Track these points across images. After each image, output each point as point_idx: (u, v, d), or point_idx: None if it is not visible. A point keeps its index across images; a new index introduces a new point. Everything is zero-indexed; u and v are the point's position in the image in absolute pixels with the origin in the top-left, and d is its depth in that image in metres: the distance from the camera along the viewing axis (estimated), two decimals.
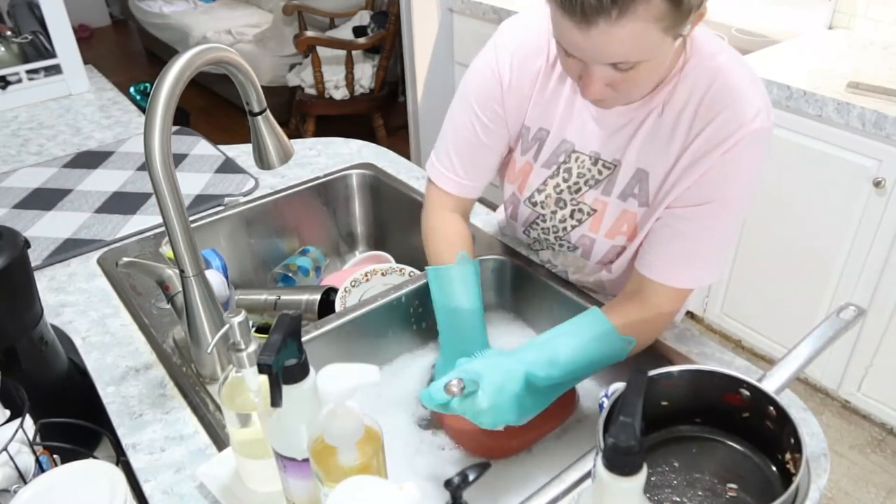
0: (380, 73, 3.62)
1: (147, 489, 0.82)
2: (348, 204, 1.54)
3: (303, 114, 3.76)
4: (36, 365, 0.91)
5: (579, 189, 1.00)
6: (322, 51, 3.47)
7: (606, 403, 0.77)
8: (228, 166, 1.54)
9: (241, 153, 1.61)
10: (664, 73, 0.86)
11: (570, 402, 1.02)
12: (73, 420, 0.86)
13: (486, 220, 1.31)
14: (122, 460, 0.88)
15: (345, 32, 3.81)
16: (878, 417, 2.08)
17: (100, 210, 1.39)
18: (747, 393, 0.79)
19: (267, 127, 0.99)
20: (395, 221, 1.50)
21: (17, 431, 0.73)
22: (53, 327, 0.99)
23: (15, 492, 0.72)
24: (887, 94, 1.75)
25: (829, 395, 2.17)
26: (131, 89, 3.45)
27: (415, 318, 1.15)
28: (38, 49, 2.09)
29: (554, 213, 1.04)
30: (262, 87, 0.96)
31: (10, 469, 0.73)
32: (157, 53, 5.17)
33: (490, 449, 0.95)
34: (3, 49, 2.04)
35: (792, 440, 0.74)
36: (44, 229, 1.34)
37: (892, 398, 1.98)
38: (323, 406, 0.63)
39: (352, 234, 1.57)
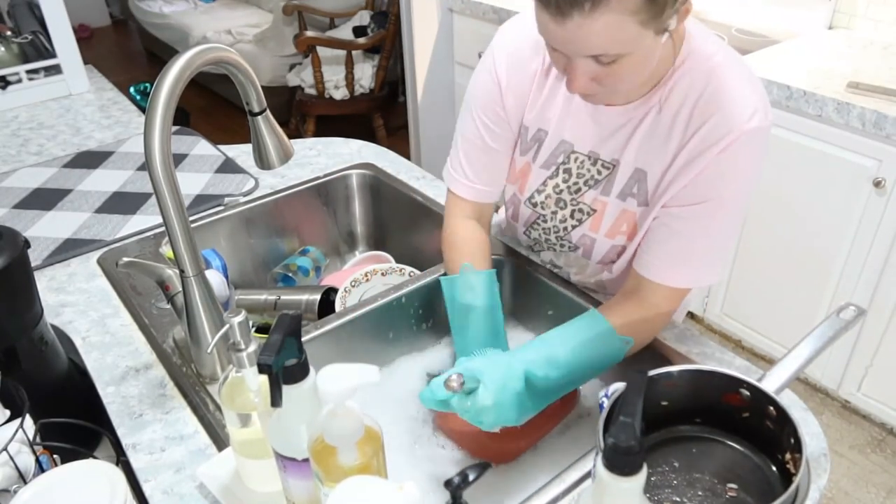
0: (380, 73, 3.62)
1: (147, 489, 0.82)
2: (348, 204, 1.54)
3: (303, 114, 3.76)
4: (36, 365, 0.91)
5: (579, 189, 1.00)
6: (322, 51, 3.47)
7: (606, 403, 0.77)
8: (228, 166, 1.54)
9: (241, 153, 1.61)
10: (654, 68, 0.85)
11: (572, 398, 1.02)
12: (73, 420, 0.86)
13: None
14: (122, 460, 0.88)
15: (345, 32, 3.81)
16: (878, 417, 2.08)
17: (100, 210, 1.39)
18: (747, 393, 0.79)
19: (267, 127, 0.99)
20: (395, 221, 1.50)
21: (17, 431, 0.73)
22: (53, 327, 0.99)
23: (15, 492, 0.72)
24: (887, 94, 1.75)
25: (829, 395, 2.17)
26: (131, 89, 3.45)
27: (415, 318, 1.15)
28: (38, 49, 2.09)
29: (554, 213, 1.04)
30: (262, 87, 0.96)
31: (10, 469, 0.73)
32: (157, 53, 5.17)
33: (494, 452, 0.95)
34: (3, 49, 2.04)
35: (792, 440, 0.74)
36: (44, 229, 1.34)
37: (892, 398, 1.98)
38: (323, 406, 0.63)
39: (352, 234, 1.57)
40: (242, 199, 1.41)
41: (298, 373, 0.65)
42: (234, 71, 0.91)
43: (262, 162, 1.01)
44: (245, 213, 1.40)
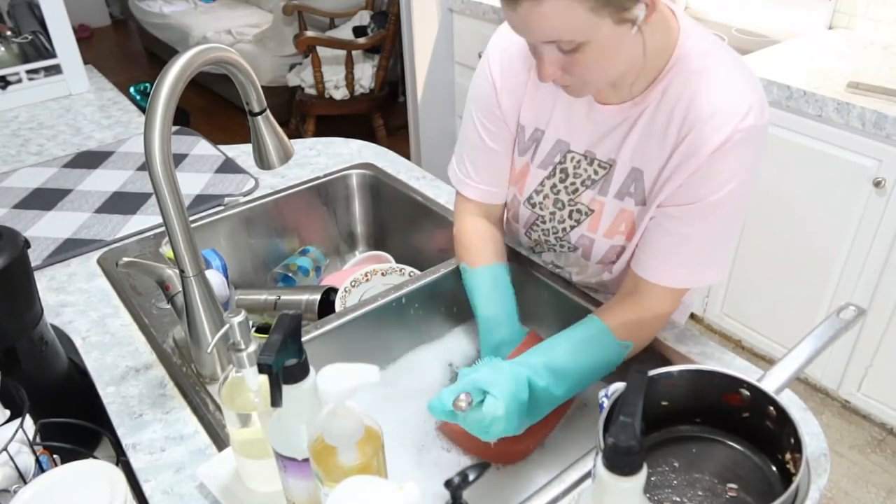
0: (380, 73, 3.62)
1: (147, 489, 0.82)
2: (348, 204, 1.54)
3: (303, 114, 3.76)
4: (36, 365, 0.91)
5: (576, 189, 1.00)
6: (322, 51, 3.47)
7: (606, 403, 0.77)
8: (228, 166, 1.54)
9: (241, 153, 1.61)
10: (647, 65, 0.86)
11: None
12: (73, 420, 0.86)
13: None
14: (122, 460, 0.88)
15: (345, 32, 3.81)
16: (878, 417, 2.08)
17: (100, 210, 1.39)
18: (747, 393, 0.79)
19: (267, 127, 0.99)
20: (395, 221, 1.50)
21: (17, 431, 0.73)
22: (53, 327, 0.99)
23: (15, 492, 0.72)
24: (887, 94, 1.75)
25: (829, 395, 2.17)
26: (131, 89, 3.45)
27: (415, 318, 1.15)
28: (38, 49, 2.09)
29: (552, 214, 1.04)
30: (262, 87, 0.96)
31: (10, 469, 0.74)
32: (157, 53, 5.17)
33: (500, 453, 0.95)
34: (3, 49, 2.04)
35: (792, 440, 0.74)
36: (44, 229, 1.34)
37: (892, 398, 1.98)
38: (323, 406, 0.63)
39: (352, 234, 1.57)
40: (242, 199, 1.41)
41: (298, 373, 0.65)
42: (234, 71, 0.91)
43: (262, 162, 1.01)
44: (245, 213, 1.40)
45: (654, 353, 1.00)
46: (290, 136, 1.06)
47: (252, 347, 0.73)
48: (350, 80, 3.55)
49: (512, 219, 1.14)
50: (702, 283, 0.93)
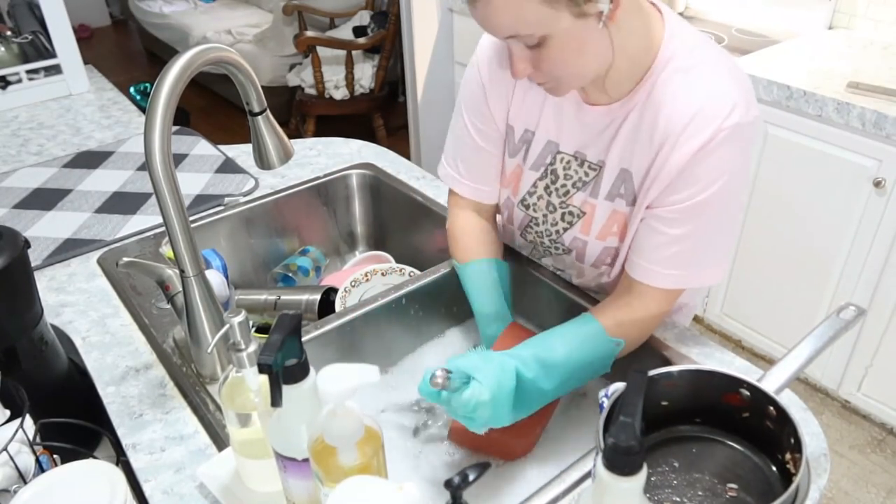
0: (380, 73, 3.62)
1: (147, 489, 0.82)
2: (348, 204, 1.54)
3: (303, 114, 3.76)
4: (36, 365, 0.91)
5: (567, 192, 1.00)
6: (322, 51, 3.47)
7: (606, 403, 0.77)
8: (228, 166, 1.54)
9: (241, 153, 1.61)
10: (630, 66, 0.86)
11: None
12: (73, 420, 0.86)
13: None
14: (122, 460, 0.88)
15: (345, 32, 3.81)
16: (878, 417, 2.08)
17: (100, 210, 1.39)
18: (747, 393, 0.79)
19: (267, 127, 0.99)
20: (395, 221, 1.50)
21: (17, 431, 0.73)
22: (53, 327, 0.99)
23: (15, 492, 0.72)
24: (887, 94, 1.75)
25: (829, 395, 2.17)
26: (131, 89, 3.46)
27: (415, 318, 1.15)
28: (38, 49, 2.09)
29: (545, 216, 1.04)
30: (262, 87, 0.96)
31: (10, 469, 0.74)
32: (157, 53, 5.17)
33: (508, 449, 0.95)
34: (3, 49, 2.04)
35: (792, 440, 0.74)
36: (44, 229, 1.34)
37: (892, 398, 1.98)
38: (323, 406, 0.63)
39: (352, 234, 1.57)
40: (242, 199, 1.41)
41: (298, 373, 0.65)
42: (234, 71, 0.92)
43: (262, 162, 1.01)
44: (245, 213, 1.40)
45: (654, 353, 1.00)
46: (290, 136, 1.06)
47: (252, 347, 0.73)
48: (350, 80, 3.55)
49: (507, 221, 1.14)
50: (696, 283, 0.93)
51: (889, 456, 2.02)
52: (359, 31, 3.76)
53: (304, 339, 0.74)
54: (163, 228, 1.23)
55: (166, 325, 1.08)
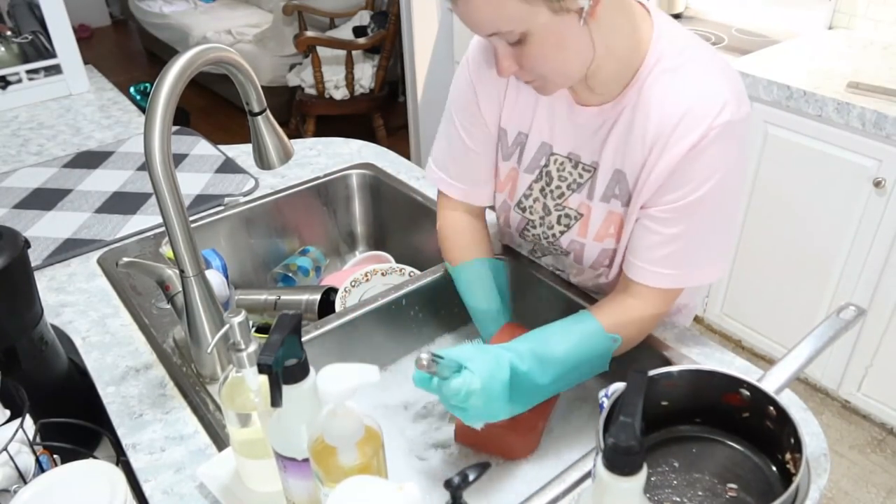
0: (380, 73, 3.62)
1: (147, 489, 0.82)
2: (348, 204, 1.54)
3: (303, 114, 3.76)
4: (36, 365, 0.91)
5: (562, 194, 1.00)
6: (322, 51, 3.47)
7: (606, 403, 0.77)
8: (228, 166, 1.54)
9: (241, 153, 1.61)
10: (618, 66, 0.86)
11: None
12: (73, 420, 0.86)
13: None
14: (122, 460, 0.88)
15: (345, 32, 3.81)
16: (878, 417, 2.08)
17: (100, 210, 1.39)
18: (747, 393, 0.79)
19: (267, 127, 0.99)
20: (395, 221, 1.50)
21: (17, 431, 0.73)
22: (53, 327, 0.99)
23: (15, 492, 0.72)
24: (887, 94, 1.75)
25: (829, 395, 2.17)
26: (131, 89, 3.45)
27: (415, 318, 1.15)
28: (38, 49, 2.09)
29: (542, 218, 1.04)
30: (262, 87, 0.96)
31: (10, 469, 0.74)
32: (157, 53, 5.17)
33: (516, 447, 0.95)
34: (3, 49, 2.04)
35: (792, 440, 0.74)
36: (44, 229, 1.34)
37: (892, 398, 1.98)
38: (323, 406, 0.63)
39: (352, 234, 1.57)
40: (242, 199, 1.41)
41: (298, 373, 0.65)
42: (234, 71, 0.92)
43: (262, 162, 1.01)
44: (245, 213, 1.40)
45: (654, 353, 1.00)
46: (290, 136, 1.06)
47: (252, 347, 0.73)
48: (350, 80, 3.55)
49: (504, 224, 1.14)
50: (693, 283, 0.92)
51: (889, 456, 2.02)
52: (359, 31, 3.76)
53: (304, 339, 0.74)
54: (163, 228, 1.23)
55: (166, 325, 1.08)
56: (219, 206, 1.40)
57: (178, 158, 1.58)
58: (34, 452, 0.77)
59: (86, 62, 2.08)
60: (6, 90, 1.94)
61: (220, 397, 0.75)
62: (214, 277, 1.02)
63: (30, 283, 0.90)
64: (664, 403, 0.82)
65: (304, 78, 3.65)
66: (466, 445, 0.99)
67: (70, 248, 1.27)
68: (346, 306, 1.15)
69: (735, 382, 0.79)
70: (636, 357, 0.97)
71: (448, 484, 0.57)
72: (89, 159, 1.61)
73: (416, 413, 1.04)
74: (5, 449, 0.72)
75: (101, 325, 1.09)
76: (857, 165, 1.79)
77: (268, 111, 0.98)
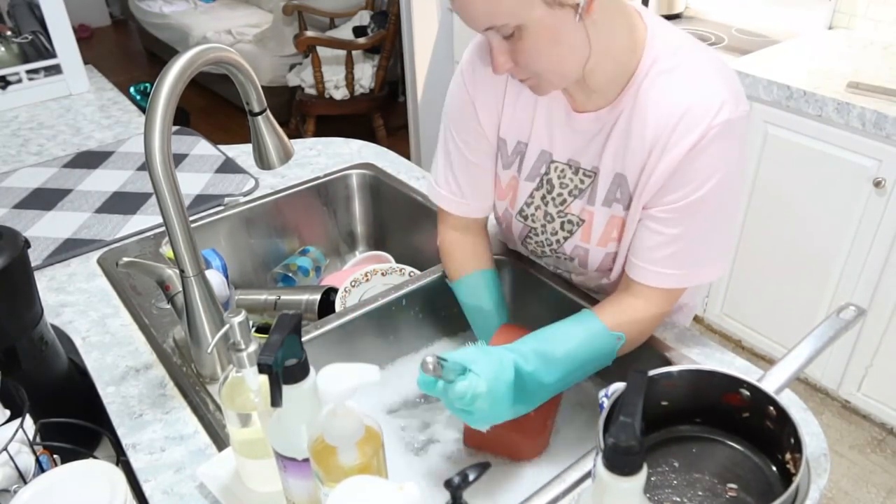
0: (380, 73, 3.63)
1: (147, 489, 0.82)
2: (348, 204, 1.54)
3: (303, 114, 3.76)
4: (36, 365, 0.91)
5: (564, 200, 0.99)
6: (322, 51, 3.47)
7: (606, 403, 0.77)
8: (228, 166, 1.54)
9: (241, 153, 1.61)
10: (614, 67, 0.86)
11: None
12: (73, 420, 0.86)
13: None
14: (122, 460, 0.88)
15: (345, 32, 3.81)
16: (878, 417, 2.08)
17: (100, 210, 1.39)
18: (747, 393, 0.79)
19: (267, 127, 0.99)
20: (395, 221, 1.50)
21: (17, 431, 0.73)
22: (53, 327, 0.99)
23: (15, 492, 0.72)
24: (887, 94, 1.75)
25: (829, 395, 2.17)
26: (131, 89, 3.45)
27: (415, 318, 1.15)
28: (38, 49, 2.09)
29: (544, 226, 1.04)
30: (262, 87, 0.96)
31: (10, 469, 0.74)
32: (157, 53, 5.17)
33: (519, 448, 0.95)
34: (3, 49, 2.05)
35: (792, 440, 0.74)
36: (44, 229, 1.34)
37: (892, 398, 1.98)
38: (323, 406, 0.63)
39: (352, 234, 1.57)
40: (242, 199, 1.41)
41: (298, 373, 0.65)
42: (234, 71, 0.92)
43: (262, 162, 1.01)
44: (245, 213, 1.40)
45: (654, 353, 1.00)
46: (290, 136, 1.06)
47: (252, 347, 0.73)
48: (350, 80, 3.55)
49: (506, 231, 1.14)
50: (695, 282, 0.93)
51: (889, 456, 2.02)
52: (359, 31, 3.76)
53: (304, 339, 0.74)
54: (163, 228, 1.23)
55: (166, 325, 1.08)
56: (219, 206, 1.40)
57: (178, 158, 1.58)
58: (34, 452, 0.77)
59: (86, 62, 2.08)
60: (6, 90, 1.94)
61: (220, 397, 0.75)
62: (214, 277, 1.02)
63: (30, 283, 0.90)
64: (664, 403, 0.82)
65: (304, 78, 3.65)
66: (475, 448, 0.99)
67: (70, 248, 1.27)
68: (346, 306, 1.15)
69: (735, 382, 0.79)
70: (636, 357, 0.97)
71: (448, 484, 0.57)
72: (89, 159, 1.61)
73: (417, 413, 1.04)
74: (5, 449, 0.72)
75: (101, 325, 1.09)
76: (857, 165, 1.79)
77: (268, 111, 0.98)
